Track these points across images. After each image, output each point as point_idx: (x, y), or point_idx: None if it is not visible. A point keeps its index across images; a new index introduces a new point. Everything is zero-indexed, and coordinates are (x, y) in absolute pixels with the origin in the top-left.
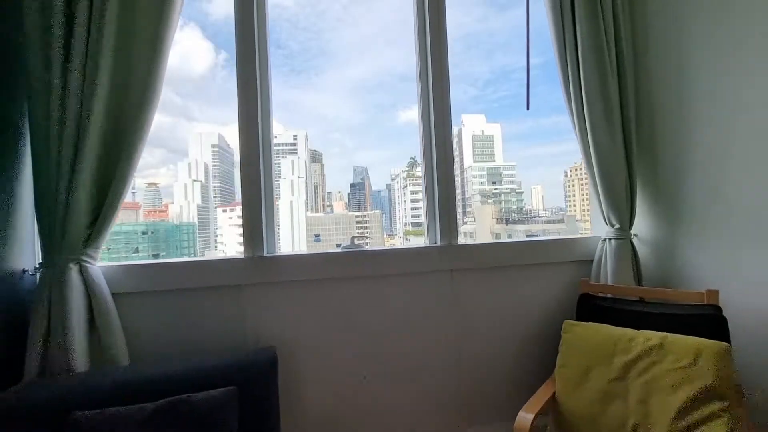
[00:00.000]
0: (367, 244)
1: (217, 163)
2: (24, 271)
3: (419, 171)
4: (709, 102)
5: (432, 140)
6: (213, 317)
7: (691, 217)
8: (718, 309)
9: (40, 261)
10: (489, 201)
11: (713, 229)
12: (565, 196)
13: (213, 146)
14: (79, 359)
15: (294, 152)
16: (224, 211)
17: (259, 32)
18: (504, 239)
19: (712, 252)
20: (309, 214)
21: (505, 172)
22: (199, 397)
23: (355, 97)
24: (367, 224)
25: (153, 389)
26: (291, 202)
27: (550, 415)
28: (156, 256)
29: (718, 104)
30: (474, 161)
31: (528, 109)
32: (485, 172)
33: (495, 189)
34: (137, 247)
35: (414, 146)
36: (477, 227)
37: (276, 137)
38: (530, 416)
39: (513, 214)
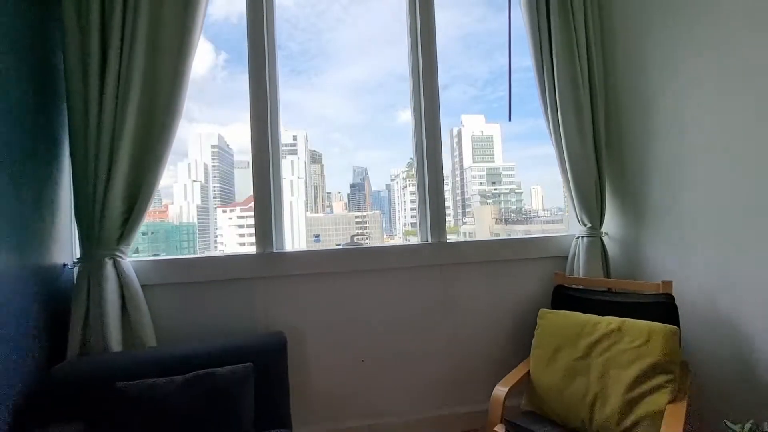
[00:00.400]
0: (366, 241)
1: (217, 164)
2: (64, 265)
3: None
4: (667, 116)
5: (423, 146)
6: (228, 306)
7: (652, 217)
8: (671, 297)
9: (78, 256)
10: (488, 201)
11: (670, 228)
12: (564, 197)
13: (212, 147)
14: (114, 341)
15: (294, 153)
16: (224, 211)
17: (268, 39)
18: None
19: (669, 248)
20: (309, 214)
21: (504, 173)
22: (222, 371)
23: (355, 98)
24: (367, 224)
25: (181, 365)
26: (291, 202)
27: (525, 389)
28: (156, 256)
29: (673, 118)
30: (473, 161)
31: (510, 120)
32: (485, 173)
33: (494, 189)
34: (137, 248)
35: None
36: (476, 227)
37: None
38: (504, 389)
39: (512, 215)
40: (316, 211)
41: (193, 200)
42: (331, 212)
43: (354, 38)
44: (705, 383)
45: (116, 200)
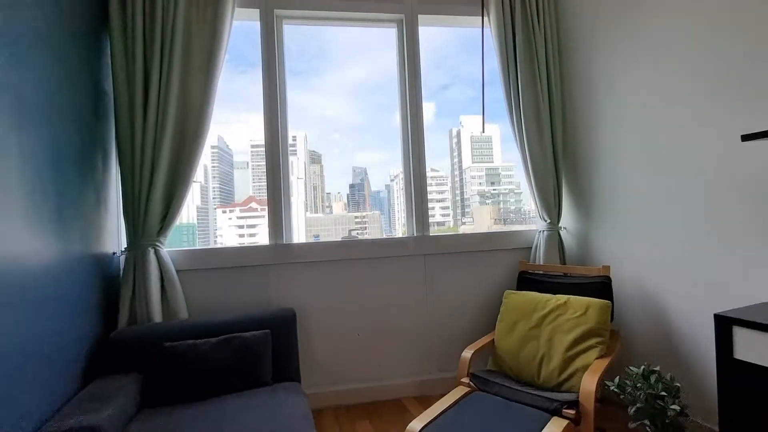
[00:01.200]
0: (365, 234)
1: (216, 165)
2: (113, 253)
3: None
4: (607, 133)
5: (409, 150)
6: (247, 287)
7: (597, 213)
8: (608, 278)
9: (125, 246)
10: (488, 201)
11: (611, 222)
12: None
13: (212, 147)
14: (156, 313)
15: (293, 153)
16: (224, 212)
17: (278, 53)
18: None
19: (610, 238)
20: (308, 214)
21: (503, 173)
22: (246, 335)
23: (354, 99)
24: (366, 225)
25: (213, 331)
26: (290, 202)
27: (490, 354)
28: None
29: (612, 135)
30: (473, 162)
31: (483, 132)
32: (484, 173)
33: (494, 189)
34: None
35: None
36: (475, 227)
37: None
38: (470, 352)
39: (511, 215)
40: (316, 212)
41: (193, 201)
42: (331, 212)
43: (353, 40)
44: (632, 342)
45: (156, 201)
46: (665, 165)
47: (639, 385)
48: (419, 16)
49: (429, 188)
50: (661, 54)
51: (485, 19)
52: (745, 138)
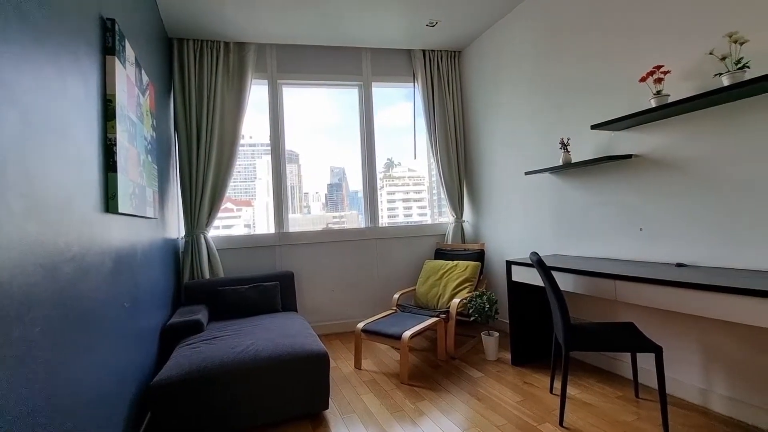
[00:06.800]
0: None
1: None
2: (178, 238)
3: (397, 172)
4: (489, 162)
5: (366, 158)
6: (261, 260)
7: (483, 209)
8: (482, 250)
9: (184, 233)
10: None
11: (489, 214)
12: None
13: None
14: (206, 273)
15: (269, 152)
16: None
17: (279, 100)
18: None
19: (488, 226)
20: (287, 215)
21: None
22: (265, 284)
23: (332, 99)
24: (345, 224)
25: (244, 282)
26: (267, 203)
27: (412, 296)
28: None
29: (489, 164)
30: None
31: (415, 158)
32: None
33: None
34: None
35: (391, 148)
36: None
37: (251, 137)
38: (398, 294)
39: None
40: (294, 212)
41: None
42: (309, 213)
43: (329, 93)
44: (491, 283)
45: (205, 207)
46: (513, 175)
47: (475, 300)
48: (372, 82)
49: (406, 188)
50: (511, 107)
51: (415, 85)
52: (594, 127)
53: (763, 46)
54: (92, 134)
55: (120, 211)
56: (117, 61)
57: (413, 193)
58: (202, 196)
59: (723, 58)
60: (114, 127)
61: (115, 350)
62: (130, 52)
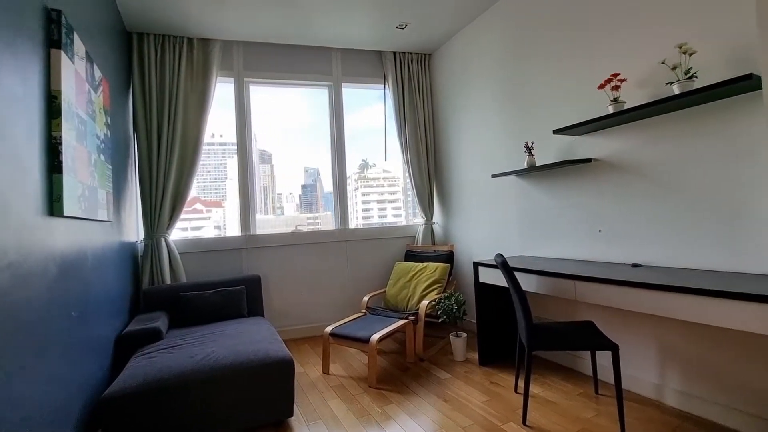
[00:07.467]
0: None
1: None
2: (136, 241)
3: (372, 173)
4: (457, 164)
5: (336, 161)
6: (226, 263)
7: (453, 211)
8: (452, 252)
9: (143, 236)
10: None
11: (458, 216)
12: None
13: None
14: (167, 278)
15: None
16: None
17: (245, 99)
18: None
19: (458, 227)
20: (258, 216)
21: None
22: (230, 288)
23: (306, 98)
24: (319, 225)
25: (208, 287)
26: (239, 204)
27: (382, 298)
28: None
29: (458, 165)
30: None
31: (386, 160)
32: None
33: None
34: None
35: (366, 149)
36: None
37: (221, 136)
38: (368, 297)
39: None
40: (266, 213)
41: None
42: (282, 214)
43: (300, 92)
44: (460, 283)
45: (166, 209)
46: (481, 177)
47: (443, 301)
48: (343, 83)
49: (381, 189)
50: (478, 111)
51: (386, 86)
52: (556, 132)
53: (710, 56)
54: (33, 133)
55: (66, 214)
56: (64, 55)
57: (388, 194)
58: (163, 198)
59: (674, 68)
60: (59, 125)
61: (62, 362)
62: (79, 46)
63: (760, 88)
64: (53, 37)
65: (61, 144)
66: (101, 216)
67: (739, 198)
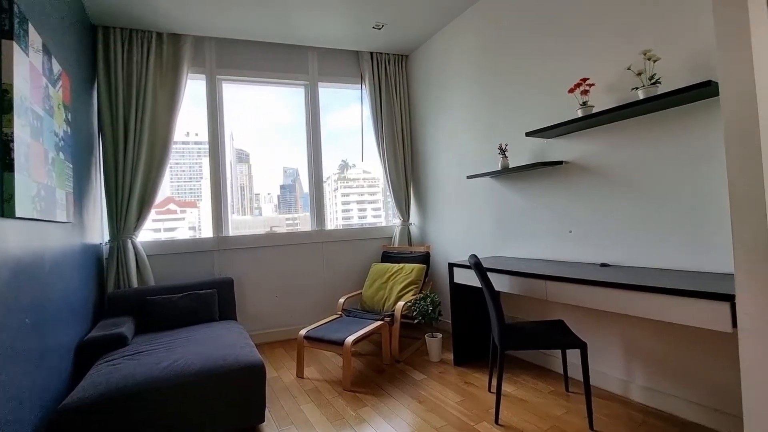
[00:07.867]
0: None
1: None
2: (101, 243)
3: (351, 173)
4: (433, 165)
5: (312, 162)
6: (197, 266)
7: (429, 212)
8: (428, 253)
9: (108, 238)
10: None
11: (435, 217)
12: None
13: None
14: (133, 282)
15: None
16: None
17: (218, 95)
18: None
19: (434, 228)
20: (235, 216)
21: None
22: (200, 292)
23: (284, 98)
24: (298, 226)
25: (177, 290)
26: (228, 205)
27: (359, 300)
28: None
29: (435, 166)
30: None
31: (363, 161)
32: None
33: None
34: None
35: (346, 149)
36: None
37: (196, 134)
38: (343, 298)
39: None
40: (244, 213)
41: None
42: (260, 214)
43: (276, 91)
44: (435, 283)
45: (133, 210)
46: (457, 178)
47: (419, 302)
48: (319, 82)
49: (361, 190)
50: (454, 113)
51: (363, 86)
52: (528, 134)
53: (673, 63)
54: None
55: (18, 215)
56: (16, 47)
57: (368, 195)
58: (129, 199)
59: (639, 74)
60: (11, 121)
61: (13, 372)
62: (35, 37)
63: (718, 94)
64: (4, 27)
65: (12, 141)
66: (60, 217)
67: (699, 200)
